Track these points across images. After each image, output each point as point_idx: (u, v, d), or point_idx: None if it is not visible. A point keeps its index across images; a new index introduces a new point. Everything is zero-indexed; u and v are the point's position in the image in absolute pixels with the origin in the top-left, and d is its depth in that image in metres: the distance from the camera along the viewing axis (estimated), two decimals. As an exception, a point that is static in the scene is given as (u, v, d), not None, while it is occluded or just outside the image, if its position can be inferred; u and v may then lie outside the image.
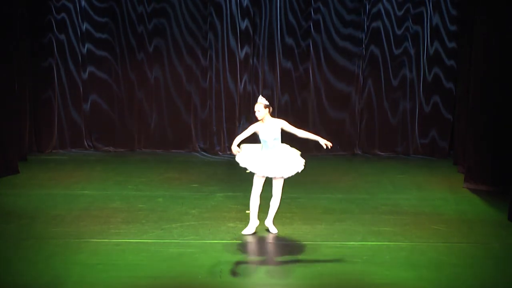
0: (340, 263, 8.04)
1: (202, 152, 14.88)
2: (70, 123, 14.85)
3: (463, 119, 13.24)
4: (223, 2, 14.66)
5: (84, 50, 14.72)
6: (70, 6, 14.56)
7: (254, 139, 8.95)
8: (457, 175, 12.89)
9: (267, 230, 9.14)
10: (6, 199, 10.63)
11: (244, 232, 9.03)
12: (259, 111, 8.75)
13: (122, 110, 14.90)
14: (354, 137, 15.13)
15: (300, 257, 8.24)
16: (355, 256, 8.27)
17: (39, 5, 14.25)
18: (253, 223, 9.05)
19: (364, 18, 14.83)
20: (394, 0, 14.80)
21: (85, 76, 14.81)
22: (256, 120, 8.89)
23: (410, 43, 14.90)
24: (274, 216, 9.12)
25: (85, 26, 14.65)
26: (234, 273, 7.78)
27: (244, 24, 14.73)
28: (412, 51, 14.91)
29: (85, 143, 14.95)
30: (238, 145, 8.73)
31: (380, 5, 14.80)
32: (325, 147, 8.77)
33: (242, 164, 8.72)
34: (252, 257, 8.48)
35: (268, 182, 8.92)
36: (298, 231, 9.21)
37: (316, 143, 8.86)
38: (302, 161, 8.87)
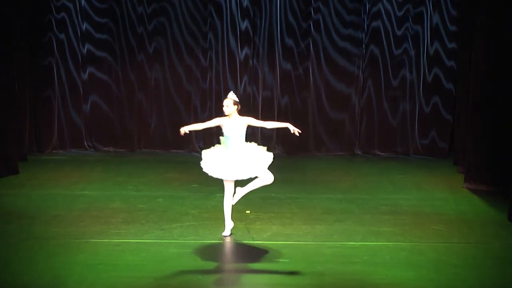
0: (340, 263, 8.03)
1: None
2: (70, 123, 14.85)
3: (463, 120, 13.23)
4: (223, 3, 14.67)
5: (84, 51, 14.73)
6: (70, 6, 14.57)
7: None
8: (457, 175, 12.89)
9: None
10: (6, 199, 10.62)
11: (223, 234, 8.94)
12: (227, 106, 8.63)
13: (122, 110, 14.90)
14: (354, 138, 15.13)
15: (300, 257, 8.23)
16: (355, 256, 8.26)
17: (39, 5, 14.26)
18: (228, 225, 8.93)
19: (364, 18, 14.84)
20: (394, 0, 14.81)
21: (85, 76, 14.81)
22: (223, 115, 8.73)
23: (410, 43, 14.90)
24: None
25: (85, 26, 14.66)
26: (234, 273, 7.77)
27: (244, 24, 14.73)
28: (412, 52, 14.91)
29: (85, 144, 14.96)
30: (207, 144, 8.45)
31: (380, 5, 14.80)
32: (294, 133, 8.62)
33: (209, 172, 8.54)
34: (252, 257, 8.47)
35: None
36: (298, 231, 9.20)
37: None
38: (270, 154, 8.64)
